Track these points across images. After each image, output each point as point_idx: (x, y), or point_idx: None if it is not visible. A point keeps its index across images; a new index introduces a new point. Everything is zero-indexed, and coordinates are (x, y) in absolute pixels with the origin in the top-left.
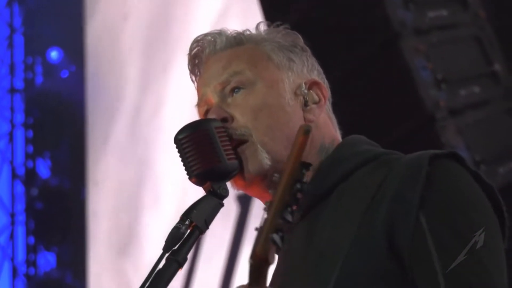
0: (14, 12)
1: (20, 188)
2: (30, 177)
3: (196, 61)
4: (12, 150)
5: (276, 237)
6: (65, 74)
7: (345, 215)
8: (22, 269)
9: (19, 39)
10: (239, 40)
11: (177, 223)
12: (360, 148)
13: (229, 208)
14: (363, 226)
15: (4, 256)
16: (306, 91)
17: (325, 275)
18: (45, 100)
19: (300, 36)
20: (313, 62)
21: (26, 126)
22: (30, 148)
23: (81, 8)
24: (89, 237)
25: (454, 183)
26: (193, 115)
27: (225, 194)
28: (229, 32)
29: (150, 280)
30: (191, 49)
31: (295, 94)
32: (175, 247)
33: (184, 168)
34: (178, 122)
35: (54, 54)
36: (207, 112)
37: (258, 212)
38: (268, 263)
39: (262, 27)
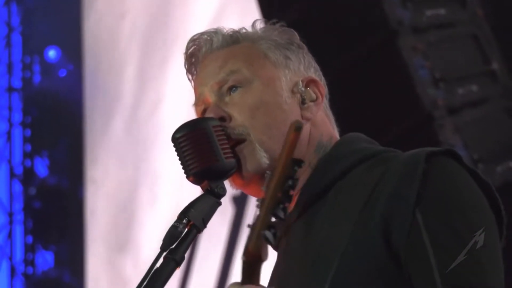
0: (12, 11)
1: (18, 187)
2: (28, 176)
3: (193, 60)
4: (10, 149)
5: (268, 234)
6: (63, 73)
7: (343, 213)
8: (20, 268)
9: (17, 38)
10: (235, 39)
11: (175, 222)
12: (358, 146)
13: (226, 207)
14: (360, 224)
15: (2, 256)
16: (303, 89)
17: (322, 274)
18: (43, 99)
19: (296, 34)
20: (309, 59)
21: (24, 125)
22: (28, 147)
23: (79, 7)
24: (87, 236)
25: (450, 180)
26: (190, 114)
27: (222, 193)
28: (225, 31)
29: (148, 278)
30: (187, 48)
31: (292, 92)
32: (173, 246)
33: (181, 167)
34: (176, 121)
35: (52, 53)
36: (204, 111)
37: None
38: (261, 260)
39: (258, 25)
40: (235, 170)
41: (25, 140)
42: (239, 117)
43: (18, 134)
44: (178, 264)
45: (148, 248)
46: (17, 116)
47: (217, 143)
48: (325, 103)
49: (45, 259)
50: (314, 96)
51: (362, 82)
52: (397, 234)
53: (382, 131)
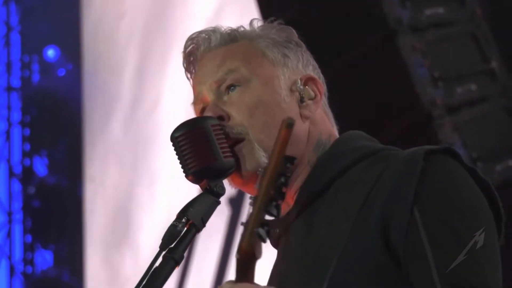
0: (11, 10)
1: (17, 186)
2: (27, 175)
3: (191, 58)
4: (9, 148)
5: (261, 231)
6: (62, 72)
7: (342, 212)
8: (20, 267)
9: (15, 38)
10: (233, 37)
11: (174, 221)
12: (358, 144)
13: (224, 206)
14: (359, 222)
15: (1, 255)
16: (301, 87)
17: (321, 273)
18: (42, 98)
19: (294, 32)
20: (308, 57)
21: (23, 124)
22: (27, 146)
23: (78, 7)
24: (86, 235)
25: (448, 178)
26: (189, 114)
27: (221, 192)
28: (223, 29)
29: (147, 278)
30: (185, 47)
31: (291, 90)
32: (172, 245)
33: (180, 166)
34: (175, 121)
35: (51, 53)
36: (203, 110)
37: None
38: (255, 258)
39: (256, 24)
40: (234, 169)
41: (24, 139)
42: (238, 116)
43: (17, 133)
44: (177, 263)
45: (147, 247)
46: (16, 116)
47: (216, 142)
48: (324, 101)
49: (44, 258)
50: (312, 94)
51: (362, 81)
52: (395, 232)
53: (382, 130)
